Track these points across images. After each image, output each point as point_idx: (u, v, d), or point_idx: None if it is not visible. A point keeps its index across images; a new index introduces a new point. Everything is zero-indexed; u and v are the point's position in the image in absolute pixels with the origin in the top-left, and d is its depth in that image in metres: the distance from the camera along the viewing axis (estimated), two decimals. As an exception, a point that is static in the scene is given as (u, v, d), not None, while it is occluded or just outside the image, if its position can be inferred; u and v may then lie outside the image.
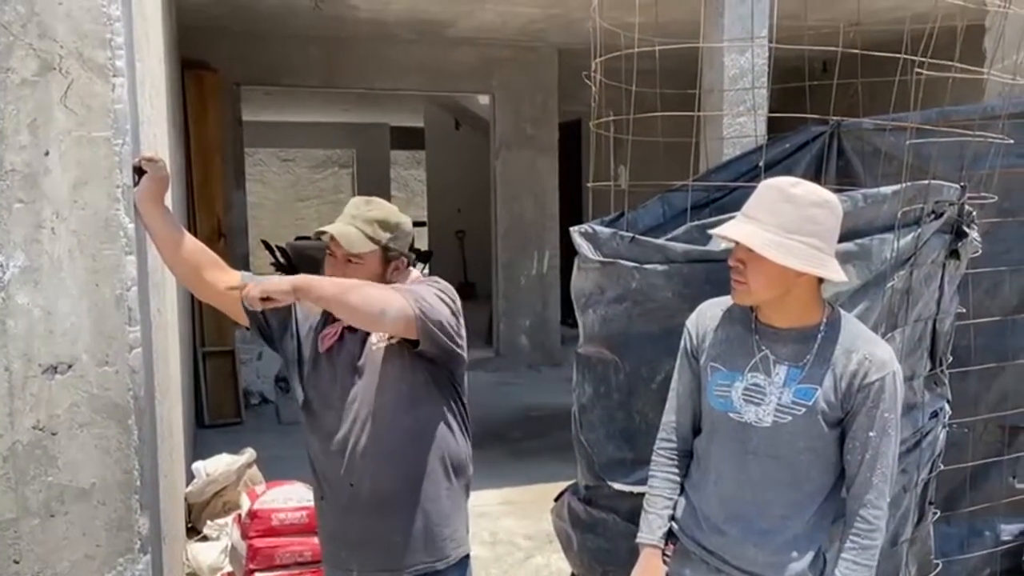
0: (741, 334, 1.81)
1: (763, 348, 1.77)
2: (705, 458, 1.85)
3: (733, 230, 1.70)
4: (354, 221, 2.02)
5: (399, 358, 2.01)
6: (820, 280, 1.73)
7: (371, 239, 2.01)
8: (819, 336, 1.74)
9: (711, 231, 1.78)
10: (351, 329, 2.04)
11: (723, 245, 2.05)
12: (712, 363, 1.82)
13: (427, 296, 1.94)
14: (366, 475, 2.00)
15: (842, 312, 1.81)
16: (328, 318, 2.09)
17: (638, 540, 1.89)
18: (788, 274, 1.67)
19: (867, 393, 1.70)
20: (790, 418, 1.73)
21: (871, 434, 1.71)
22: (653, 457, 1.94)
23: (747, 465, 1.77)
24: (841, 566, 1.72)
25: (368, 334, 2.04)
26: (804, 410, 1.72)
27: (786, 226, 1.66)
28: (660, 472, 1.92)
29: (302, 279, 1.87)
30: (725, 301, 1.88)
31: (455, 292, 2.05)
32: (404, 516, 2.02)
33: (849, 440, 1.73)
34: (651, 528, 1.88)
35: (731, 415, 1.78)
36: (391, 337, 2.00)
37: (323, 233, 2.03)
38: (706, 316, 1.88)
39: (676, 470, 1.91)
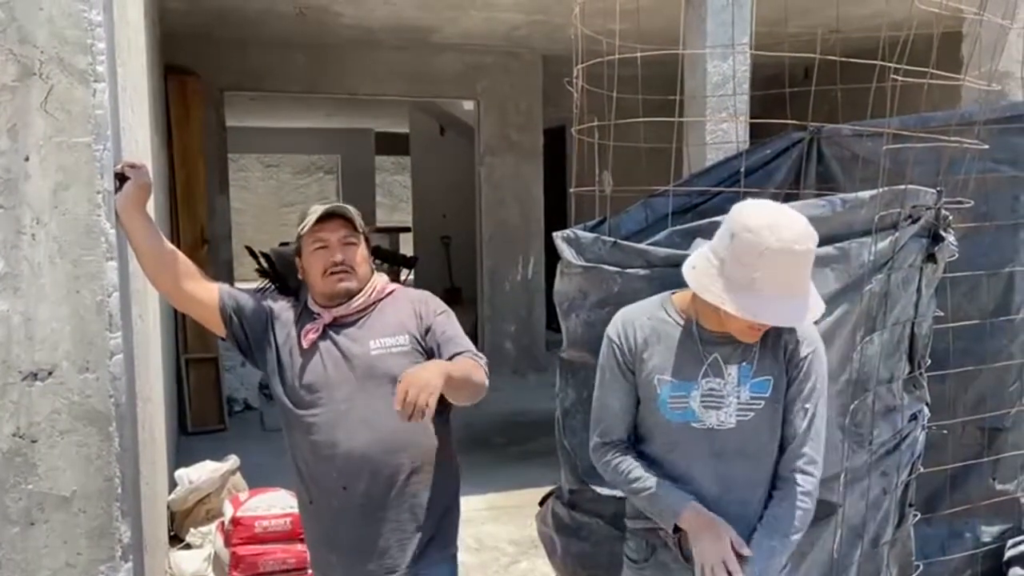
0: (683, 342, 1.81)
1: (711, 353, 1.79)
2: (669, 468, 1.83)
3: (792, 317, 1.68)
4: (336, 207, 2.08)
5: (405, 366, 1.97)
6: None
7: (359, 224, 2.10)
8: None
9: (762, 319, 1.67)
10: (335, 329, 2.06)
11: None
12: (659, 375, 1.81)
13: (472, 346, 2.07)
14: (360, 478, 2.00)
15: None
16: (305, 319, 2.09)
17: (677, 516, 1.76)
18: None
19: (800, 367, 1.79)
20: (752, 414, 1.78)
21: (806, 405, 1.79)
22: (615, 462, 1.86)
23: (716, 467, 1.80)
24: (768, 522, 1.77)
25: (359, 336, 2.04)
26: (763, 402, 1.79)
27: (810, 277, 1.71)
28: (632, 464, 1.84)
29: (446, 366, 1.90)
30: (649, 309, 1.87)
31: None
32: (397, 520, 2.03)
33: (786, 413, 1.80)
34: (677, 499, 1.78)
35: (693, 424, 1.79)
36: (395, 344, 2.03)
37: (328, 217, 2.04)
38: (634, 326, 1.85)
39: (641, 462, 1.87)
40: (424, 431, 2.03)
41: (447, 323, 2.09)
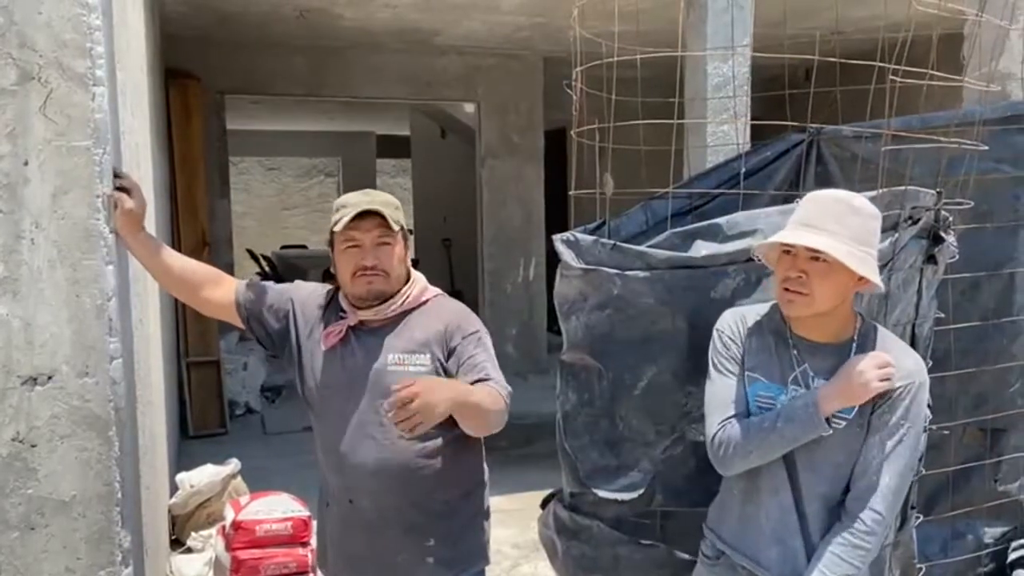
0: (778, 345, 1.80)
1: (802, 362, 1.77)
2: (750, 471, 1.81)
3: (812, 240, 1.66)
4: (372, 205, 1.92)
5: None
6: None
7: (396, 220, 1.95)
8: (853, 349, 1.75)
9: (776, 238, 1.71)
10: (359, 334, 1.98)
11: (704, 252, 2.07)
12: (750, 373, 1.80)
13: (500, 375, 1.95)
14: (366, 494, 1.95)
15: (874, 324, 1.83)
16: (331, 316, 2.01)
17: (818, 408, 1.69)
18: (849, 284, 1.70)
19: (888, 396, 1.72)
20: (830, 431, 1.73)
21: (888, 440, 1.73)
22: (737, 428, 1.77)
23: (788, 474, 1.77)
24: (826, 559, 1.72)
25: (381, 347, 1.95)
26: (844, 423, 1.73)
27: (857, 238, 1.68)
28: (751, 419, 1.77)
29: (463, 391, 1.80)
30: (753, 311, 1.87)
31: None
32: (407, 536, 1.96)
33: (866, 443, 1.74)
34: (803, 401, 1.71)
35: None
36: (415, 363, 1.92)
37: (364, 215, 1.89)
38: (744, 321, 1.85)
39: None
40: (435, 451, 1.95)
41: (476, 347, 1.95)
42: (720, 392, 1.82)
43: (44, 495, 1.88)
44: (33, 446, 1.87)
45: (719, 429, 1.79)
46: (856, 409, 1.73)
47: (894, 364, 1.71)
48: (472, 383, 1.89)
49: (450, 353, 1.94)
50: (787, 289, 1.71)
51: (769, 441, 1.74)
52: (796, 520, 1.78)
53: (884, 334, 1.81)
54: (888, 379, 1.69)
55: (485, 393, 1.86)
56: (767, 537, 1.81)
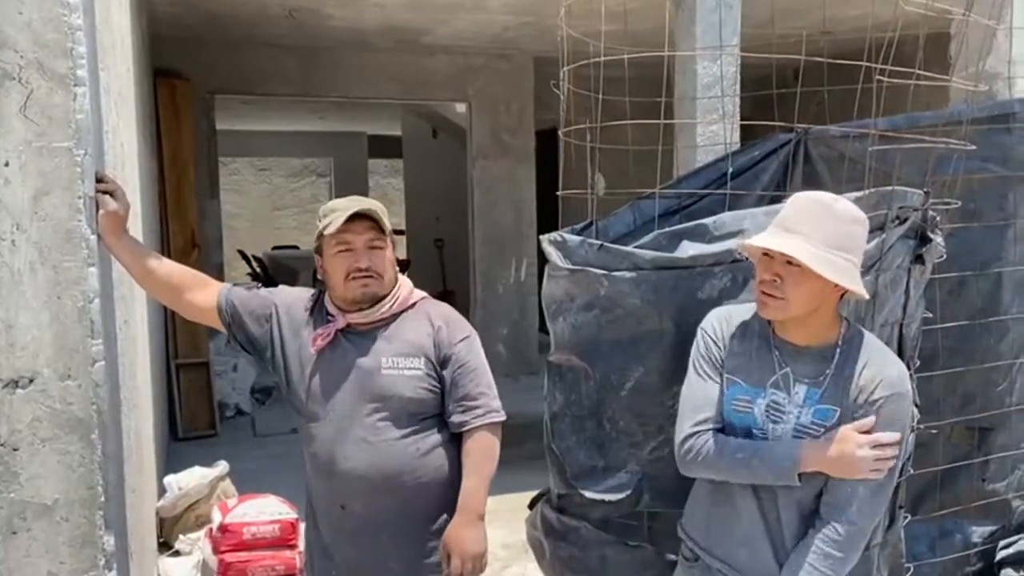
0: (760, 348, 1.78)
1: (784, 365, 1.75)
2: None
3: (779, 243, 1.65)
4: (363, 208, 1.94)
5: (416, 391, 1.95)
6: (841, 296, 1.74)
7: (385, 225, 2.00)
8: (836, 354, 1.74)
9: (748, 241, 1.72)
10: (349, 336, 1.98)
11: (691, 252, 2.06)
12: (729, 375, 1.79)
13: (491, 382, 2.05)
14: (357, 498, 1.94)
15: (860, 329, 1.81)
16: (319, 319, 2.01)
17: (797, 462, 1.68)
18: (825, 290, 1.67)
19: (868, 411, 1.70)
20: (807, 439, 1.72)
21: None
22: (712, 442, 1.76)
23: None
24: (798, 566, 1.71)
25: (372, 350, 1.96)
26: (823, 431, 1.71)
27: (830, 241, 1.65)
28: (730, 439, 1.76)
29: (478, 504, 1.95)
30: (740, 311, 1.86)
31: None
32: (401, 541, 1.96)
33: None
34: (788, 447, 1.69)
35: (754, 431, 1.76)
36: (409, 367, 1.95)
37: (355, 218, 1.92)
38: (729, 323, 1.83)
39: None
40: (428, 453, 1.97)
41: (468, 353, 1.99)
42: (695, 394, 1.82)
43: (26, 499, 1.86)
44: (15, 449, 1.85)
45: (692, 434, 1.79)
46: (836, 417, 1.72)
47: (891, 446, 1.66)
48: (463, 396, 1.97)
49: (445, 360, 1.97)
50: (763, 292, 1.71)
51: (738, 472, 1.75)
52: (769, 524, 1.77)
53: (869, 340, 1.79)
54: (880, 469, 1.65)
55: (487, 461, 1.97)
56: (737, 539, 1.80)
